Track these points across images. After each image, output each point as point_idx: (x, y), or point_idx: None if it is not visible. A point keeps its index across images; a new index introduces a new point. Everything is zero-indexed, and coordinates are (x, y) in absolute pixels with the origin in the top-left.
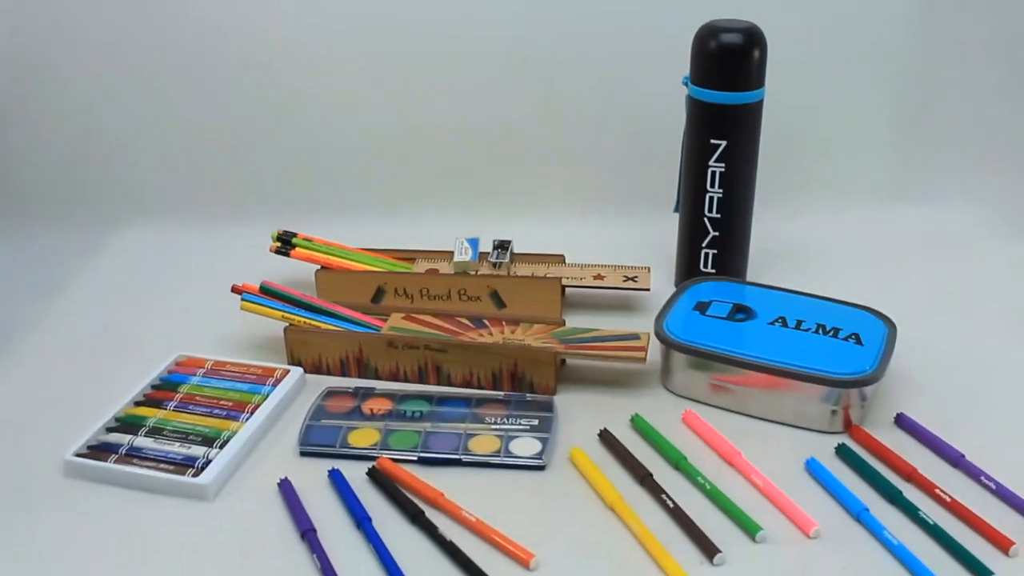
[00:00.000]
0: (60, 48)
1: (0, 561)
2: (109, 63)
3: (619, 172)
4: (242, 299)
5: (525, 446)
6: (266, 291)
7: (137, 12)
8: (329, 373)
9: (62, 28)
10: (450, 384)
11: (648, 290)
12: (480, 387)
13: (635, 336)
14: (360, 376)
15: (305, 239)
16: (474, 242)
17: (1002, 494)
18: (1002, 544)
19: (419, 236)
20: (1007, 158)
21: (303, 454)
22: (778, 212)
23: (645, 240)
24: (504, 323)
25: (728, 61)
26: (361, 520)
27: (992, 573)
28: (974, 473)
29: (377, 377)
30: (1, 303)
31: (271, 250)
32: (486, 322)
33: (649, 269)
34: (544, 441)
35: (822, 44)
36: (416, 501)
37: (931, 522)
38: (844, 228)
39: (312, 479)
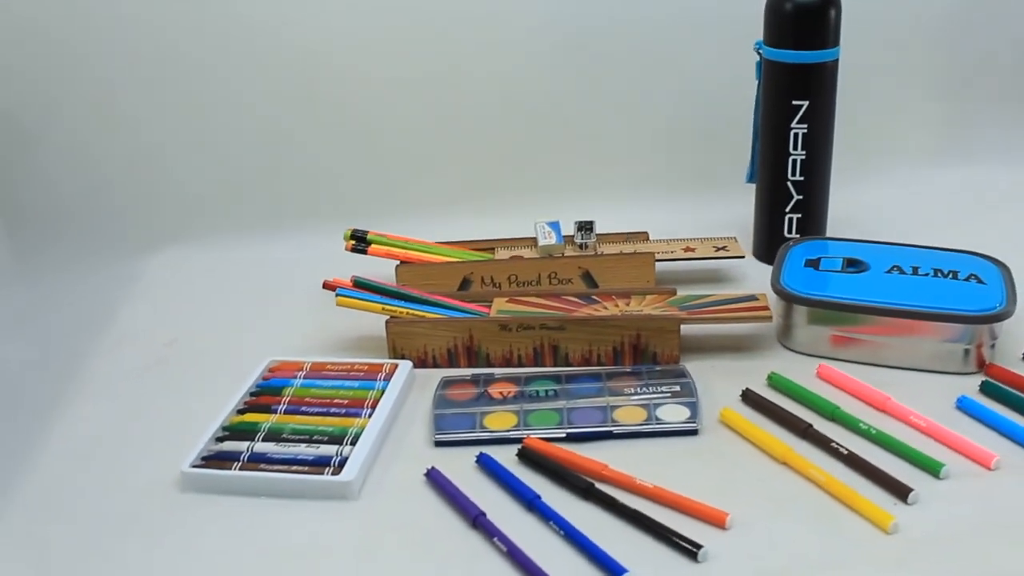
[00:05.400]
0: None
1: None
2: (143, 80)
3: (667, 154)
4: (337, 294)
5: (672, 412)
6: (360, 284)
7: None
8: (435, 365)
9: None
10: (567, 364)
11: (743, 257)
12: (600, 363)
13: (752, 297)
14: (469, 365)
15: (378, 235)
16: (555, 225)
17: None
18: None
19: (478, 229)
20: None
21: (438, 444)
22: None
23: (704, 217)
24: (615, 297)
25: (807, 20)
26: (531, 499)
27: None
28: None
29: (488, 364)
30: (56, 337)
31: (347, 248)
32: (595, 298)
33: (735, 238)
34: (691, 406)
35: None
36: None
37: None
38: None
39: (454, 467)
